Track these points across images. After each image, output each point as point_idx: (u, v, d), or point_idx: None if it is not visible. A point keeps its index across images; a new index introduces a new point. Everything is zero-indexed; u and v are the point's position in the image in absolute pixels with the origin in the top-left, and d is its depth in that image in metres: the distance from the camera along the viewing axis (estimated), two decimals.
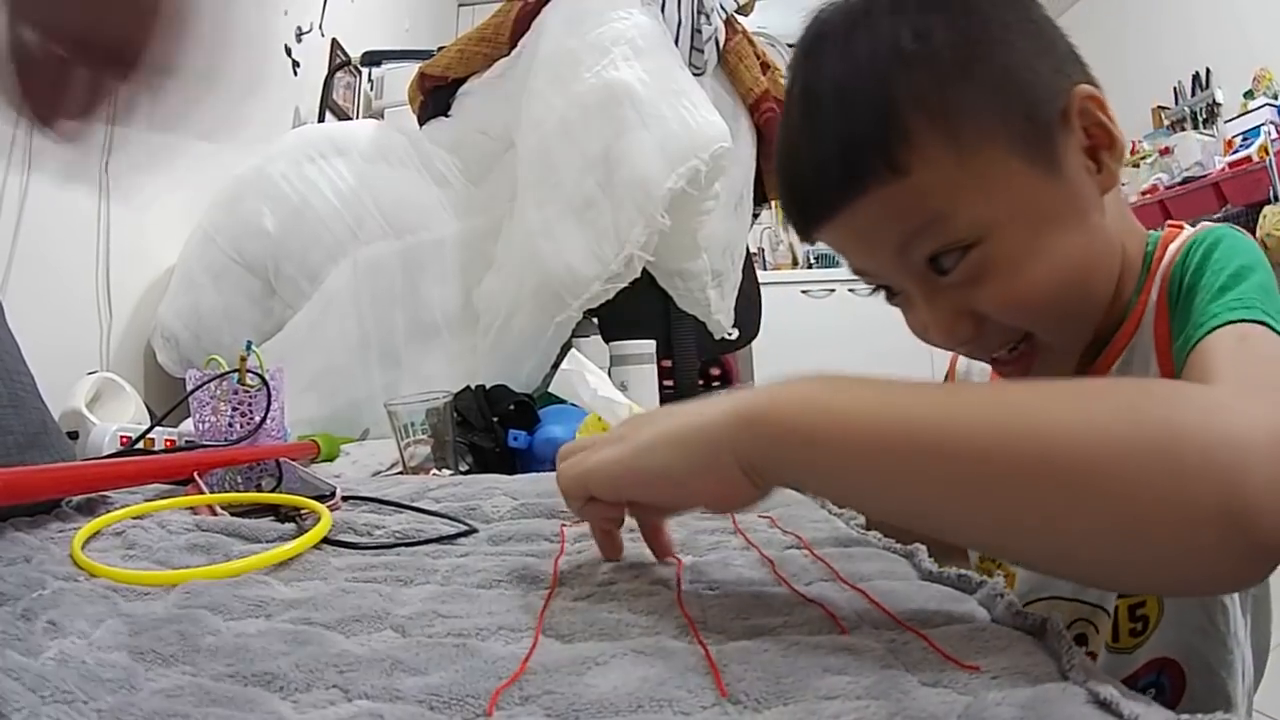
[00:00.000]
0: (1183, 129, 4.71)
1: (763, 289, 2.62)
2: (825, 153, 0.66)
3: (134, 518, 0.72)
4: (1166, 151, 4.40)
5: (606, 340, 1.77)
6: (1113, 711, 0.31)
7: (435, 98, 1.93)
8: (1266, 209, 3.68)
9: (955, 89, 0.63)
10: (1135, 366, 0.70)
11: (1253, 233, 3.72)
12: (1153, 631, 0.72)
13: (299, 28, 2.76)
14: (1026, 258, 0.65)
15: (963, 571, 0.51)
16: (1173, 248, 0.70)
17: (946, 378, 0.98)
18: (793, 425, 0.45)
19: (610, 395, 1.25)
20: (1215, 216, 4.21)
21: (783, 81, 1.91)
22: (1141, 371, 0.69)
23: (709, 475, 0.48)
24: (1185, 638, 0.71)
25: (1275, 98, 4.19)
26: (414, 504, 0.83)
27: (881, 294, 0.76)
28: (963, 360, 0.95)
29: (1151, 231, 0.75)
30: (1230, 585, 0.52)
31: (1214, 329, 0.56)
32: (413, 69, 1.99)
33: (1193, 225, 0.72)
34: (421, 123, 1.96)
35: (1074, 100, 0.66)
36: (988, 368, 0.84)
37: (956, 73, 0.64)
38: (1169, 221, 0.75)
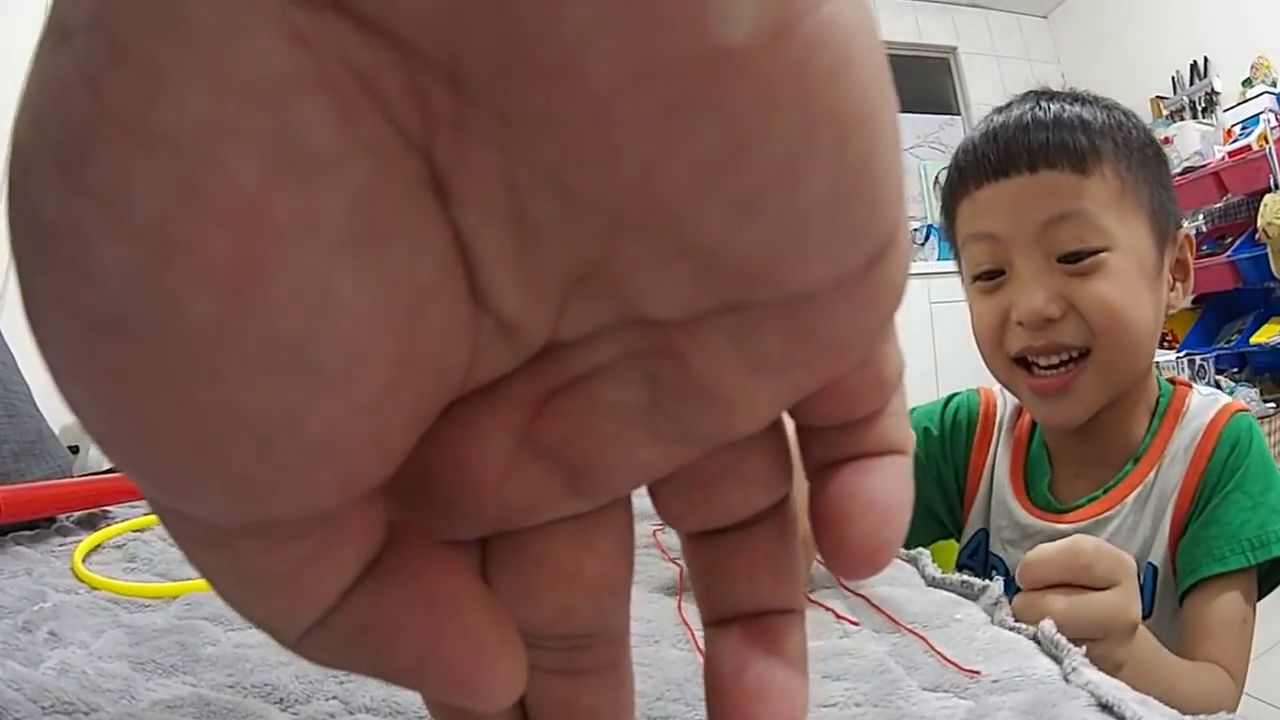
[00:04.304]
0: (1181, 119, 4.70)
1: None
2: (1037, 136, 0.83)
3: (135, 531, 0.72)
4: (1166, 141, 4.39)
5: None
6: (1115, 714, 0.31)
7: None
8: (1267, 197, 3.67)
9: (1136, 162, 0.83)
10: (1150, 507, 0.85)
11: (1254, 221, 3.72)
12: None
13: None
14: (1127, 282, 0.81)
15: (965, 577, 0.51)
16: (1201, 416, 0.87)
17: (981, 415, 1.05)
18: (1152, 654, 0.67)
19: None
20: (1216, 206, 4.21)
21: None
22: (1155, 513, 0.85)
23: None
24: None
25: (1274, 85, 4.19)
26: None
27: (977, 280, 0.90)
28: (999, 402, 1.04)
29: (1161, 380, 0.93)
30: None
31: (1223, 575, 0.78)
32: None
33: (1201, 379, 0.94)
34: None
35: (1181, 232, 0.88)
36: (1008, 409, 1.02)
37: (1139, 156, 0.84)
38: (1177, 379, 0.94)
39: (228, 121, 0.11)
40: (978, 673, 0.36)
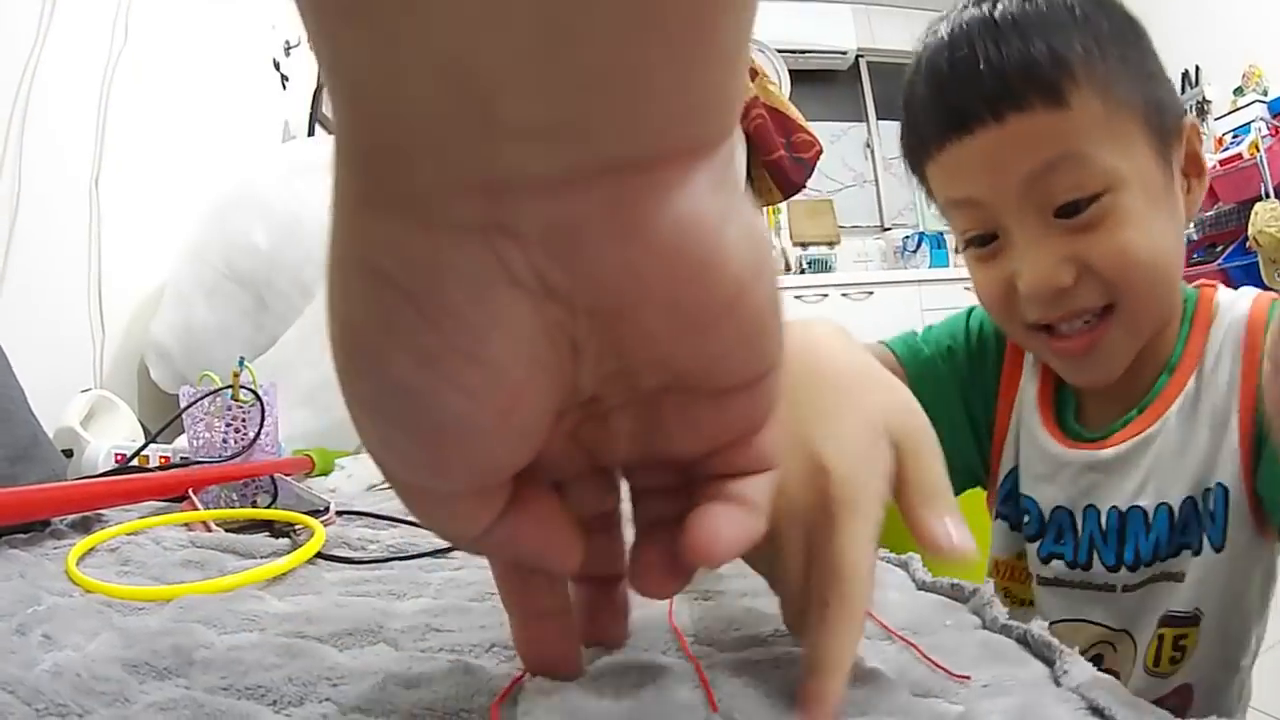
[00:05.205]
0: None
1: None
2: (996, 69, 0.70)
3: (129, 534, 0.72)
4: None
5: None
6: (1105, 717, 0.31)
7: None
8: (1258, 206, 3.70)
9: (1114, 58, 0.70)
10: (1203, 420, 0.74)
11: (1245, 229, 3.74)
12: (1186, 660, 0.76)
13: (286, 41, 2.76)
14: (1140, 221, 0.70)
15: (956, 581, 0.51)
16: (1235, 314, 0.76)
17: (999, 392, 0.92)
18: None
19: None
20: (1207, 214, 4.23)
21: (770, 88, 1.95)
22: (1212, 426, 0.73)
23: None
24: (1208, 668, 0.75)
25: (1265, 94, 4.21)
26: (408, 518, 0.83)
27: (967, 248, 0.80)
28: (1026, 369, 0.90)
29: (1184, 284, 0.80)
30: None
31: None
32: None
33: (1227, 285, 0.80)
34: None
35: (1186, 122, 0.76)
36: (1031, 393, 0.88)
37: (1116, 49, 0.71)
38: (1201, 281, 0.82)
39: (501, 389, 0.25)
40: (968, 678, 0.36)
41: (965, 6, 0.75)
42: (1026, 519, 0.85)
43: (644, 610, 0.48)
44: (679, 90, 0.22)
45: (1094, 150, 0.69)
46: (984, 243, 0.77)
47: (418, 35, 0.19)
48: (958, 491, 0.80)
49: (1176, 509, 0.75)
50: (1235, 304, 0.77)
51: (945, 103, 0.74)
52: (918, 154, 0.80)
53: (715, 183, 0.24)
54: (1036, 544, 0.85)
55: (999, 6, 0.72)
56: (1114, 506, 0.78)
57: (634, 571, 0.34)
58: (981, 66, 0.70)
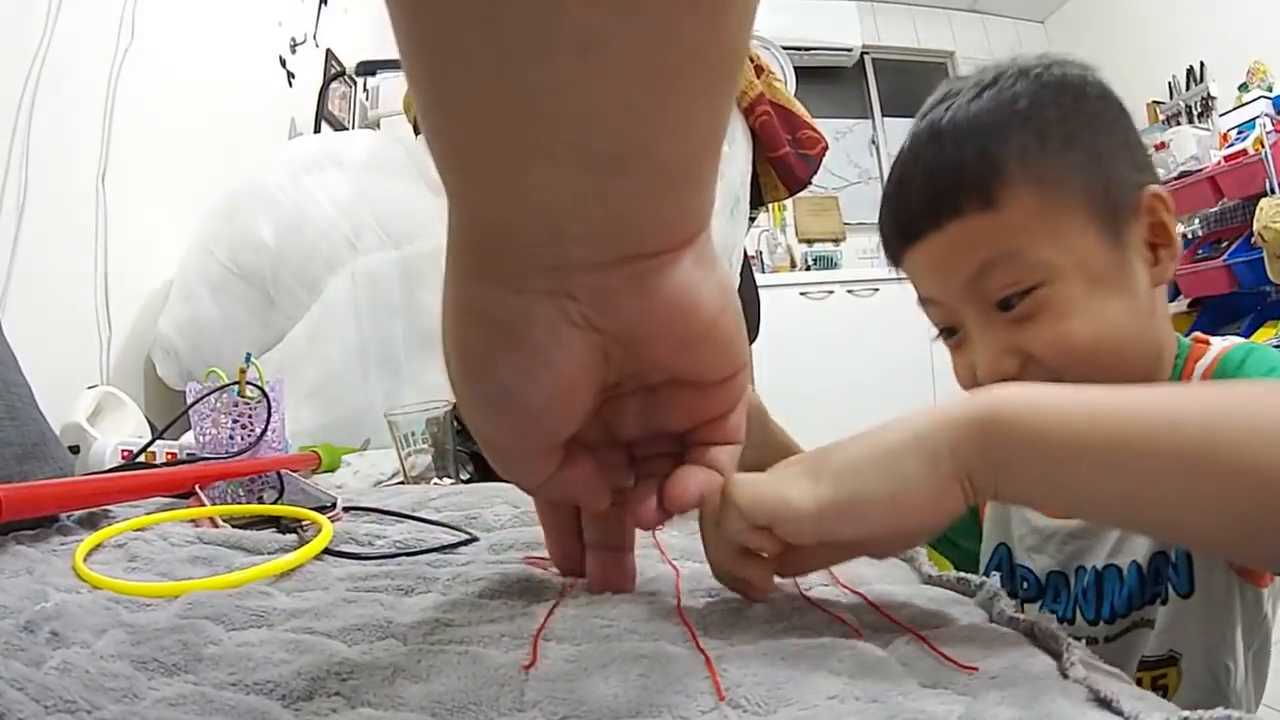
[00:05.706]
0: (1178, 123, 4.72)
1: (761, 291, 2.62)
2: (935, 178, 0.77)
3: (136, 530, 0.72)
4: (1162, 146, 4.41)
5: None
6: (1113, 709, 0.31)
7: None
8: (1263, 201, 3.68)
9: (1052, 152, 0.74)
10: None
11: (1249, 225, 3.73)
12: (1170, 697, 0.76)
13: (293, 39, 2.76)
14: (1078, 309, 0.73)
15: (962, 575, 0.51)
16: (1203, 364, 0.78)
17: None
18: (1025, 424, 0.44)
19: None
20: (1212, 210, 4.22)
21: (776, 84, 1.95)
22: None
23: (926, 489, 0.44)
24: (1195, 698, 0.75)
25: (1270, 90, 4.21)
26: (415, 513, 0.83)
27: (940, 337, 0.85)
28: None
29: (1181, 339, 0.81)
30: None
31: None
32: None
33: (1219, 337, 0.80)
34: (417, 132, 1.96)
35: (1144, 197, 0.77)
36: None
37: (1056, 141, 0.74)
38: (1195, 335, 0.82)
39: (563, 384, 0.40)
40: (975, 669, 0.36)
41: (929, 109, 0.81)
42: (1025, 585, 0.89)
43: (654, 605, 0.48)
44: (671, 215, 0.36)
45: (1028, 245, 0.73)
46: (949, 334, 0.83)
47: (519, 192, 0.33)
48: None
49: (1145, 563, 0.77)
50: (1205, 362, 0.78)
51: (896, 214, 0.82)
52: (891, 256, 0.86)
53: (696, 258, 0.38)
54: (1037, 604, 0.88)
55: (950, 109, 0.78)
56: (1092, 565, 0.82)
57: (631, 508, 0.48)
58: (921, 177, 0.78)
